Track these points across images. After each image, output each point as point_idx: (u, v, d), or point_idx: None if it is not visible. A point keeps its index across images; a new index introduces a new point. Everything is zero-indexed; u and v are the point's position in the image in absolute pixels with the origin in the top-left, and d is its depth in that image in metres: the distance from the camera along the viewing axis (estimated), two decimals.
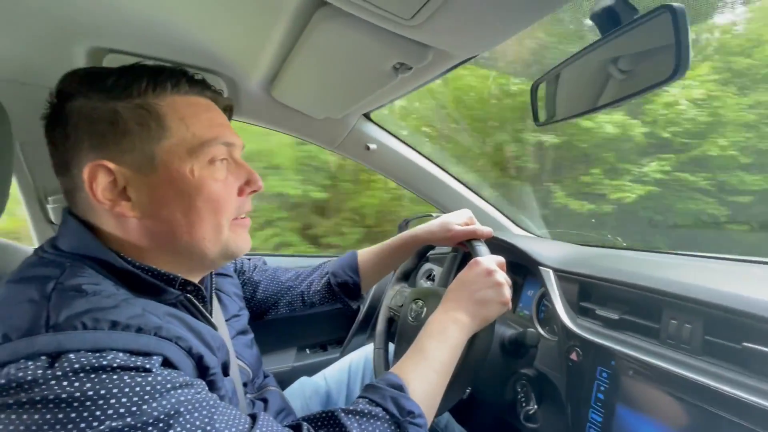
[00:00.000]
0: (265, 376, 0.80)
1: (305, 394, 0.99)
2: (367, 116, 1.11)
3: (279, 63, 0.81)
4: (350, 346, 1.40)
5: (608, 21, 0.49)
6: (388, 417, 0.49)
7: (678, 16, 0.40)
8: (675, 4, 0.40)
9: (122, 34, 0.73)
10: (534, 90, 0.70)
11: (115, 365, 0.36)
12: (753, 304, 0.52)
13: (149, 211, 0.48)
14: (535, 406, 0.75)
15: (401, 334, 0.93)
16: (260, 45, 0.75)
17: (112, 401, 0.34)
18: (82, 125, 0.46)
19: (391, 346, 0.97)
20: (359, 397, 0.52)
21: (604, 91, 0.57)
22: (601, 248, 1.04)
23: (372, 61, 0.70)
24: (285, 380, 1.07)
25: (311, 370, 1.15)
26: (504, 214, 1.36)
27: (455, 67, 0.75)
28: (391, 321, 0.98)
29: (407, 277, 1.01)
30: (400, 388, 0.52)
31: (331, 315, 0.96)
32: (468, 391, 0.77)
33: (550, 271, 0.82)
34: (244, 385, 0.66)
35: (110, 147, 0.46)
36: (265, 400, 0.70)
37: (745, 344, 0.52)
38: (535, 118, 0.71)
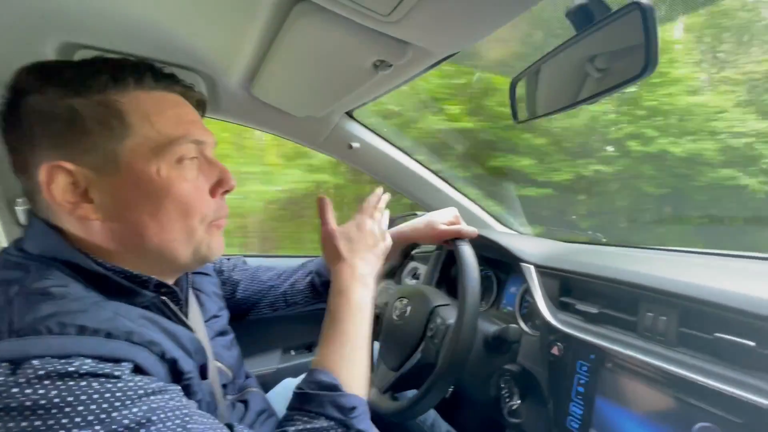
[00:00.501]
0: (247, 377, 0.79)
1: (289, 395, 0.98)
2: (349, 114, 1.11)
3: (258, 60, 0.80)
4: None
5: (582, 18, 0.50)
6: (333, 423, 0.48)
7: (647, 14, 0.41)
8: (644, 2, 0.41)
9: (95, 29, 0.71)
10: (513, 87, 0.71)
11: (82, 372, 0.34)
12: (724, 296, 0.53)
13: (114, 214, 0.46)
14: (519, 401, 0.76)
15: (386, 332, 0.93)
16: (238, 41, 0.74)
17: (80, 408, 0.33)
18: (37, 123, 0.44)
19: (376, 345, 0.97)
20: (293, 411, 0.51)
21: (582, 86, 0.58)
22: (582, 244, 1.05)
23: (351, 58, 0.70)
24: (270, 382, 1.05)
25: (296, 372, 1.14)
26: (487, 212, 1.37)
27: (436, 64, 0.75)
28: (375, 318, 0.98)
29: (392, 274, 1.01)
30: (334, 387, 0.51)
31: (317, 315, 0.94)
32: (450, 390, 0.78)
33: (531, 267, 0.83)
34: (224, 386, 0.65)
35: (69, 146, 0.44)
36: (245, 402, 0.69)
37: (717, 335, 0.53)
38: (514, 116, 0.71)
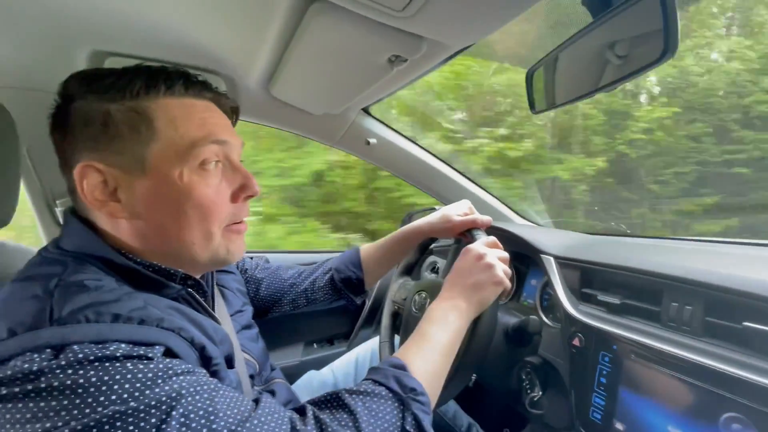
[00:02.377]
0: (272, 369, 0.81)
1: (313, 387, 1.01)
2: (366, 111, 1.12)
3: (276, 60, 0.82)
4: (357, 339, 1.42)
5: (599, 4, 0.49)
6: (391, 395, 0.49)
7: None
8: None
9: (121, 37, 0.75)
10: (529, 77, 0.70)
11: (118, 355, 0.37)
12: (752, 284, 0.52)
13: (138, 214, 0.49)
14: (540, 393, 0.76)
15: (406, 325, 0.94)
16: (257, 43, 0.76)
17: (115, 387, 0.36)
18: (78, 126, 0.47)
19: (397, 339, 0.98)
20: (364, 379, 0.53)
21: (601, 73, 0.57)
22: (603, 236, 1.03)
23: (367, 55, 0.70)
24: (293, 374, 1.08)
25: (319, 364, 1.17)
26: (506, 205, 1.36)
27: (451, 57, 0.75)
28: (395, 314, 0.99)
29: (410, 270, 1.02)
30: (402, 367, 0.53)
31: (338, 310, 0.97)
32: (473, 378, 0.78)
33: (552, 259, 0.82)
34: (251, 377, 0.67)
35: (101, 148, 0.47)
36: (272, 392, 0.72)
37: (746, 324, 0.52)
38: (531, 106, 0.71)
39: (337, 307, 0.96)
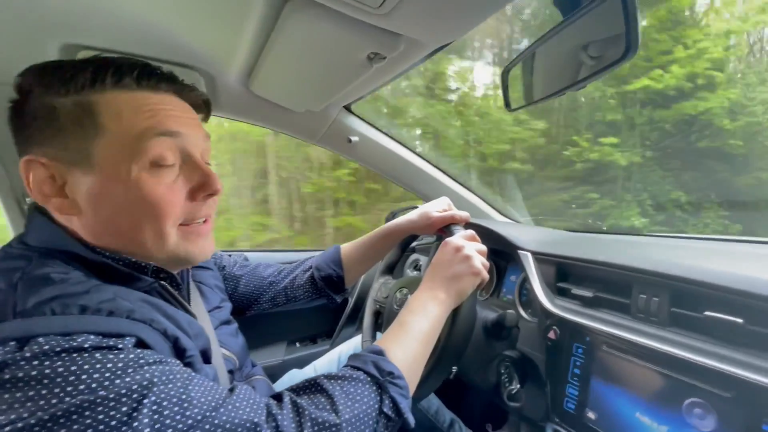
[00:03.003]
0: (253, 366, 0.81)
1: None
2: (347, 108, 1.12)
3: (255, 56, 0.81)
4: (340, 337, 1.42)
5: (567, 5, 0.50)
6: (369, 379, 0.50)
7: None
8: None
9: (95, 30, 0.73)
10: (505, 75, 0.72)
11: (86, 346, 0.36)
12: (713, 276, 0.54)
13: (87, 210, 0.47)
14: (518, 386, 0.77)
15: (387, 323, 0.94)
16: (235, 38, 0.75)
17: (83, 377, 0.35)
18: (28, 120, 0.46)
19: (379, 337, 0.99)
20: (343, 366, 0.54)
21: (573, 70, 0.58)
22: (579, 233, 1.06)
23: (345, 52, 0.71)
24: (276, 374, 1.08)
25: (302, 363, 1.17)
26: (487, 202, 1.38)
27: (429, 55, 0.76)
28: (377, 313, 1.00)
29: (392, 269, 1.03)
30: (380, 353, 0.54)
31: (321, 308, 0.97)
32: (454, 371, 0.79)
33: (528, 254, 0.84)
34: (230, 372, 0.67)
35: (47, 143, 0.46)
36: (252, 389, 0.71)
37: (707, 313, 0.54)
38: (507, 104, 0.72)
39: (319, 306, 0.96)
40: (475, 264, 0.66)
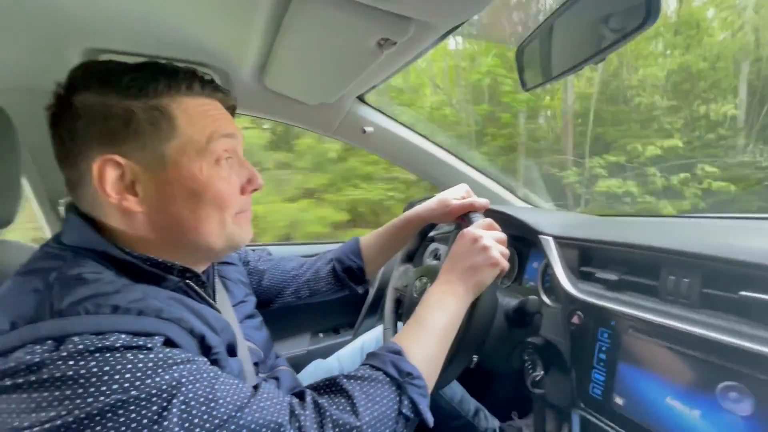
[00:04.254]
0: (277, 357, 0.83)
1: (319, 375, 1.02)
2: (361, 99, 1.11)
3: (267, 50, 0.82)
4: (362, 328, 1.43)
5: None
6: (388, 379, 0.50)
7: None
8: None
9: (114, 34, 0.75)
10: (521, 53, 0.69)
11: (117, 345, 0.38)
12: (747, 253, 0.51)
13: (157, 207, 0.50)
14: (542, 372, 0.76)
15: (408, 312, 0.94)
16: (245, 33, 0.76)
17: (116, 377, 0.37)
18: (94, 120, 0.47)
19: (401, 325, 0.99)
20: (362, 364, 0.54)
21: (593, 41, 0.55)
22: (603, 216, 1.03)
23: (355, 39, 0.70)
24: (300, 364, 1.10)
25: (325, 353, 1.19)
26: (505, 188, 1.35)
27: (441, 39, 0.74)
28: (398, 302, 1.00)
29: (412, 257, 1.02)
30: (398, 352, 0.54)
31: (342, 299, 0.98)
32: (475, 360, 0.79)
33: (549, 239, 0.82)
34: (255, 364, 0.69)
35: (121, 143, 0.48)
36: (277, 379, 0.73)
37: (742, 293, 0.51)
38: (523, 83, 0.70)
39: (341, 297, 0.97)
40: (493, 254, 0.65)
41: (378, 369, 0.52)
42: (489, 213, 0.86)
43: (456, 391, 1.08)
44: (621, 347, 0.63)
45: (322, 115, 1.12)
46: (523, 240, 0.98)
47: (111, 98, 0.48)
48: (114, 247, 0.49)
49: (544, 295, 0.89)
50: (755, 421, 0.46)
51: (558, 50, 0.65)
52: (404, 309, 0.96)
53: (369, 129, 1.15)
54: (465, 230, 0.70)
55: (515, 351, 0.80)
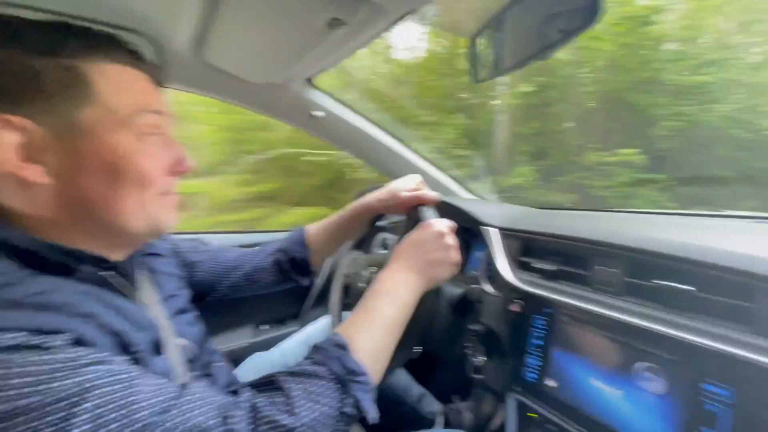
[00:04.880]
0: (213, 353, 0.78)
1: (260, 369, 0.98)
2: (310, 82, 1.06)
3: (207, 20, 0.74)
4: (309, 318, 1.40)
5: None
6: (332, 377, 0.49)
7: None
8: None
9: None
10: (473, 44, 0.69)
11: (14, 344, 0.33)
12: (666, 246, 0.56)
13: (66, 180, 0.44)
14: (483, 359, 0.79)
15: (356, 300, 0.93)
16: None
17: (15, 381, 0.32)
18: None
19: (346, 314, 0.98)
20: (305, 358, 0.52)
21: (539, 37, 0.56)
22: (544, 209, 1.08)
23: (303, 16, 0.66)
24: (241, 357, 1.05)
25: (269, 346, 1.14)
26: (454, 180, 1.38)
27: (394, 23, 0.72)
28: (346, 289, 0.98)
29: (361, 245, 1.01)
30: (343, 347, 0.52)
31: (288, 290, 0.94)
32: (420, 350, 0.80)
33: (491, 230, 0.85)
34: (190, 362, 0.64)
35: (24, 104, 0.42)
36: (211, 376, 0.69)
37: (660, 282, 0.56)
38: (474, 75, 0.70)
39: (287, 287, 0.93)
40: (454, 255, 0.65)
41: (321, 364, 0.50)
42: (440, 204, 0.86)
43: (401, 378, 1.10)
44: (554, 333, 0.67)
45: (268, 96, 1.05)
46: (468, 230, 1.00)
47: (13, 53, 0.41)
48: (15, 231, 0.42)
49: (487, 283, 0.92)
50: (667, 399, 0.51)
51: (509, 44, 0.66)
52: (352, 297, 0.95)
53: (318, 114, 1.11)
54: (432, 221, 0.69)
55: (458, 338, 0.83)
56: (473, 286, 0.78)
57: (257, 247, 0.92)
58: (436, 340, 0.83)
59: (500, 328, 0.79)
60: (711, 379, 0.47)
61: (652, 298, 0.58)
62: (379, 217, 0.94)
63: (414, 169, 1.30)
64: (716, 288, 0.51)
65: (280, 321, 1.42)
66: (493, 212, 0.92)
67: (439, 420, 1.05)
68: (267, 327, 1.40)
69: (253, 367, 0.99)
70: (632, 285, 0.60)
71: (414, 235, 0.68)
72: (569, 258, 0.72)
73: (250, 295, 0.91)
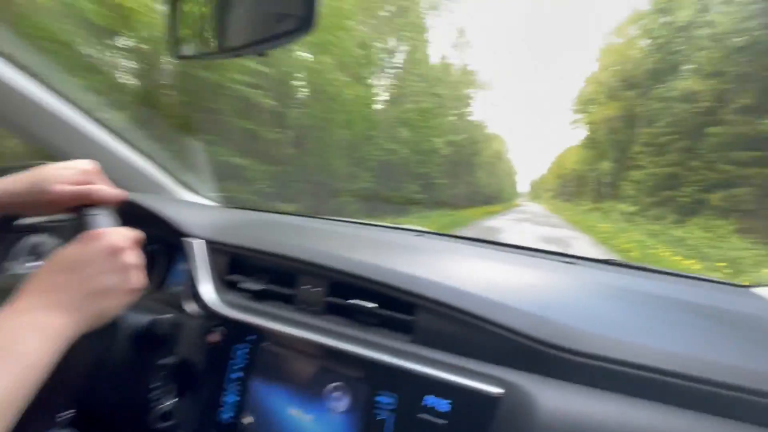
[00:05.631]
0: None
1: None
2: None
3: None
4: None
5: None
6: None
7: None
8: None
9: None
10: (175, 9, 0.53)
11: None
12: (358, 267, 0.60)
13: None
14: (174, 400, 0.64)
15: None
16: None
17: None
18: None
19: None
20: None
21: (253, 31, 0.48)
22: (260, 213, 1.03)
23: None
24: None
25: None
26: (168, 173, 1.12)
27: None
28: None
29: None
30: None
31: None
32: (71, 414, 0.56)
33: (195, 242, 0.71)
34: None
35: None
36: None
37: (351, 301, 0.59)
38: (174, 49, 0.54)
39: None
40: (135, 278, 0.48)
41: None
42: (125, 205, 0.64)
43: None
44: (256, 363, 0.61)
45: None
46: (167, 242, 0.82)
47: None
48: None
49: (190, 302, 0.77)
50: (348, 416, 0.53)
51: (230, 25, 0.54)
52: None
53: None
54: (99, 231, 0.48)
55: (141, 381, 0.64)
56: (163, 317, 0.62)
57: None
58: (106, 391, 0.62)
59: (197, 360, 0.67)
60: (382, 391, 0.52)
61: (347, 315, 0.61)
62: (13, 218, 0.62)
63: (103, 153, 0.97)
64: (391, 304, 0.58)
65: None
66: (202, 219, 0.78)
67: None
68: None
69: None
70: (332, 304, 0.62)
71: (68, 251, 0.46)
72: (278, 276, 0.68)
73: None
